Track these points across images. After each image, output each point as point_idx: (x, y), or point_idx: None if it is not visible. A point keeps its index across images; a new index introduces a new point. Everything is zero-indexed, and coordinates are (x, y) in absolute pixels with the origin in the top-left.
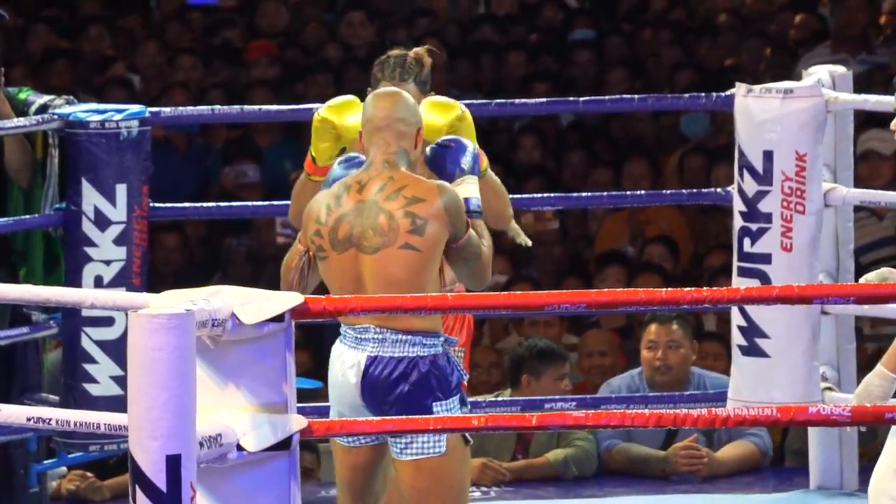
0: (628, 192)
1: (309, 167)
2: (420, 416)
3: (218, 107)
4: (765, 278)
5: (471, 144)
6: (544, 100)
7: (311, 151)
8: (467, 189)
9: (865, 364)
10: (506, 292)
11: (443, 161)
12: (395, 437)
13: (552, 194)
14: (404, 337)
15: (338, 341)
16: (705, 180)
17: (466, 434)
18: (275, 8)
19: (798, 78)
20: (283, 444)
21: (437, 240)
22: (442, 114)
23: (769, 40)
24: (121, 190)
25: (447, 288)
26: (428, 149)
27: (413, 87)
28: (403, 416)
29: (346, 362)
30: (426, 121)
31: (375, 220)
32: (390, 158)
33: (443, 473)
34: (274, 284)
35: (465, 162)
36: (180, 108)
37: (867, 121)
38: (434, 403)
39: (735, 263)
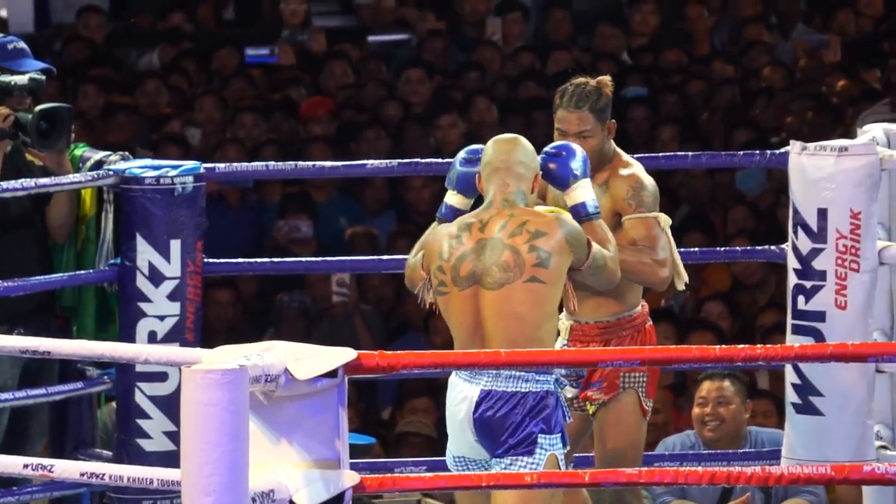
0: (681, 249)
1: None
2: (473, 474)
3: (272, 163)
4: (819, 336)
5: (580, 149)
6: None
7: None
8: (582, 193)
9: None
10: (557, 349)
11: (555, 169)
12: (497, 460)
13: None
14: (517, 373)
15: (453, 374)
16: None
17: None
18: (341, 67)
19: (854, 136)
20: (336, 500)
21: (560, 271)
22: None
23: (815, 102)
24: (175, 245)
25: (626, 312)
26: (538, 158)
27: (588, 114)
28: (461, 473)
29: (458, 395)
30: None
31: (500, 256)
32: (509, 198)
33: (533, 500)
34: (327, 341)
35: (577, 167)
36: (235, 163)
37: None
38: (540, 435)
39: (789, 321)
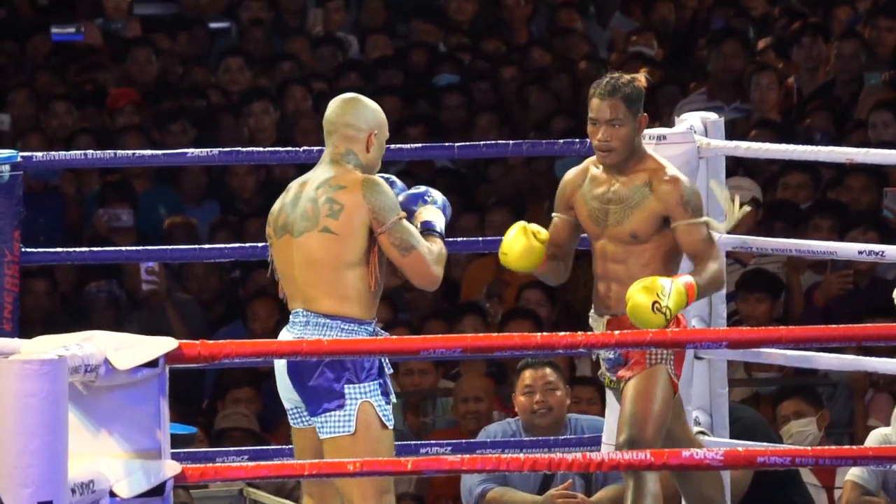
0: (492, 238)
1: None
2: (296, 463)
3: (90, 151)
4: None
5: (442, 197)
6: (419, 145)
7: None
8: (427, 213)
9: None
10: (382, 337)
11: (410, 197)
12: (314, 418)
13: None
14: (324, 321)
15: (285, 327)
16: None
17: (382, 417)
18: (144, 55)
19: (672, 125)
20: (157, 490)
21: (353, 226)
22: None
23: None
24: None
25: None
26: (402, 196)
27: (620, 103)
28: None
29: None
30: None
31: (304, 207)
32: (336, 158)
33: (356, 451)
34: (139, 330)
35: (437, 197)
36: (52, 152)
37: (732, 167)
38: (346, 386)
39: None
